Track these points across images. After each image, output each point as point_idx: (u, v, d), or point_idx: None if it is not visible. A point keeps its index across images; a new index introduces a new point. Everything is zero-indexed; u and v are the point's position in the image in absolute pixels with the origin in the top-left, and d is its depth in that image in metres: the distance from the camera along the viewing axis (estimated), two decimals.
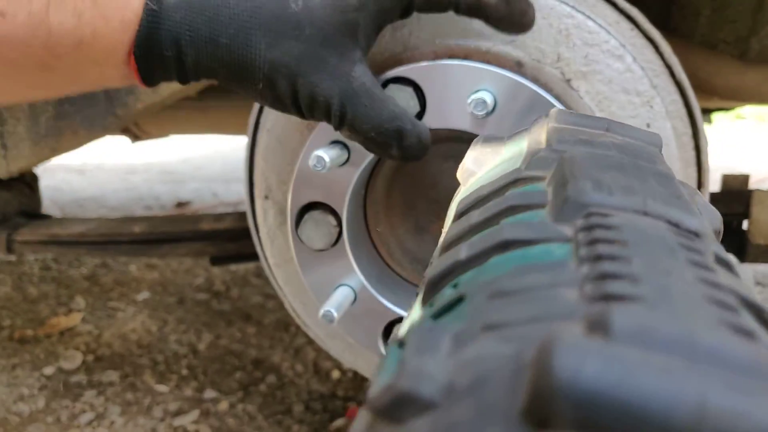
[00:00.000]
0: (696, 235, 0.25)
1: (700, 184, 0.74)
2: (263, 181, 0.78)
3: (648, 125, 0.67)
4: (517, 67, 0.68)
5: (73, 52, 0.53)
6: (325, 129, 0.65)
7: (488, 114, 0.56)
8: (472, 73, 0.59)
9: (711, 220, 0.34)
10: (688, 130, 0.73)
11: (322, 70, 0.55)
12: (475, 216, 0.29)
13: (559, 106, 0.60)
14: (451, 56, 0.69)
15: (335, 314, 0.62)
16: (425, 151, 0.58)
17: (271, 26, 0.54)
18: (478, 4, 0.59)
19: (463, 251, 0.25)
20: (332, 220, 0.66)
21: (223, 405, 1.57)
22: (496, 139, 0.43)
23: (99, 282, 2.23)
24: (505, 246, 0.24)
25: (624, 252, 0.22)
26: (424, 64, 0.61)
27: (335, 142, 0.62)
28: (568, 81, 0.67)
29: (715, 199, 1.05)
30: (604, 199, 0.25)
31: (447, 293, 0.24)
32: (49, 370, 1.69)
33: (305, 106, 0.57)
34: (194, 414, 1.52)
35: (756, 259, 0.97)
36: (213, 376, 1.70)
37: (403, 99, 0.61)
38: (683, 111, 0.72)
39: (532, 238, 0.24)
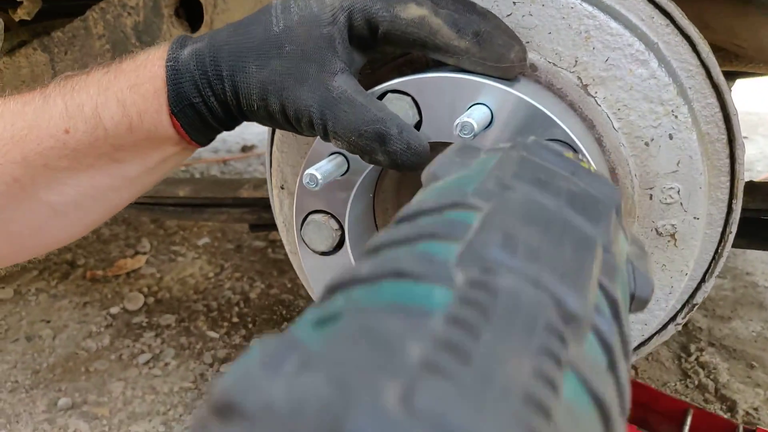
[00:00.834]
0: (573, 318, 0.25)
1: (733, 195, 0.69)
2: (279, 171, 0.79)
3: (671, 136, 0.63)
4: (531, 70, 0.64)
5: (128, 138, 0.62)
6: None
7: (475, 135, 0.53)
8: (468, 87, 0.57)
9: (640, 288, 0.34)
10: (723, 136, 0.67)
11: (303, 82, 0.58)
12: (404, 230, 0.30)
13: (556, 122, 0.56)
14: None
15: None
16: (417, 158, 0.57)
17: (259, 50, 0.59)
18: (446, 47, 0.57)
19: (365, 267, 0.27)
20: (334, 224, 0.66)
21: None
22: (472, 149, 0.41)
23: (164, 225, 2.35)
24: (398, 275, 0.25)
25: (481, 323, 0.22)
26: (420, 76, 0.58)
27: (335, 153, 0.62)
28: (586, 87, 0.63)
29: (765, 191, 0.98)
30: (503, 258, 0.26)
31: (337, 302, 0.26)
32: (114, 310, 1.83)
33: (293, 119, 0.59)
34: None
35: None
36: (261, 326, 1.78)
37: (402, 108, 0.59)
38: (719, 115, 0.66)
39: (423, 274, 0.25)
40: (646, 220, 0.66)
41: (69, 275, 2.00)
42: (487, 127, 0.58)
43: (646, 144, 0.63)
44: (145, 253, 2.15)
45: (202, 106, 0.61)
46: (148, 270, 2.06)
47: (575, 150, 0.55)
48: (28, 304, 1.80)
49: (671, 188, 0.64)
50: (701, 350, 1.77)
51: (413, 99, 0.59)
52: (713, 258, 0.71)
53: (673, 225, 0.65)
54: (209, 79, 0.60)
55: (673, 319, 0.75)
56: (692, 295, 0.73)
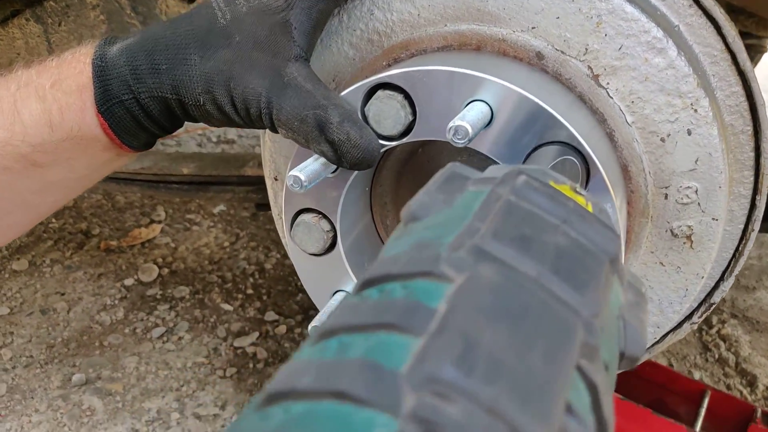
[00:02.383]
0: None
1: (757, 191, 0.63)
2: (272, 162, 0.75)
3: (689, 132, 0.57)
4: (538, 58, 0.59)
5: (49, 137, 0.57)
6: None
7: (470, 139, 0.49)
8: (465, 81, 0.52)
9: (630, 346, 0.32)
10: (749, 128, 0.62)
11: (253, 70, 0.55)
12: (364, 309, 0.28)
13: (561, 122, 0.51)
14: (463, 44, 0.61)
15: None
16: (360, 154, 0.54)
17: (204, 42, 0.56)
18: None
19: (308, 376, 0.25)
20: (325, 226, 0.62)
21: (282, 328, 1.65)
22: (458, 180, 0.38)
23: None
24: (339, 395, 0.24)
25: None
26: (412, 68, 0.54)
27: None
28: (596, 77, 0.58)
29: None
30: (457, 379, 0.23)
31: (273, 418, 0.24)
32: (129, 281, 1.83)
33: (242, 110, 0.56)
34: (254, 336, 1.61)
35: None
36: (276, 297, 1.78)
37: (392, 108, 0.54)
38: (744, 105, 0.61)
39: (366, 398, 0.23)
40: (661, 220, 0.61)
41: (84, 245, 2.01)
42: (487, 126, 0.53)
43: (662, 140, 0.58)
44: (160, 222, 2.14)
45: (133, 104, 0.57)
46: (163, 240, 2.06)
47: (581, 155, 0.51)
48: (43, 275, 1.81)
49: (688, 188, 0.59)
50: (723, 322, 1.72)
51: (407, 95, 0.55)
52: (733, 256, 0.67)
53: (689, 226, 0.60)
54: (141, 74, 0.56)
55: (689, 317, 0.71)
56: (710, 294, 0.68)
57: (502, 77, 0.53)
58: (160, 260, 1.94)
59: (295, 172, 0.55)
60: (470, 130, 0.48)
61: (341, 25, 0.64)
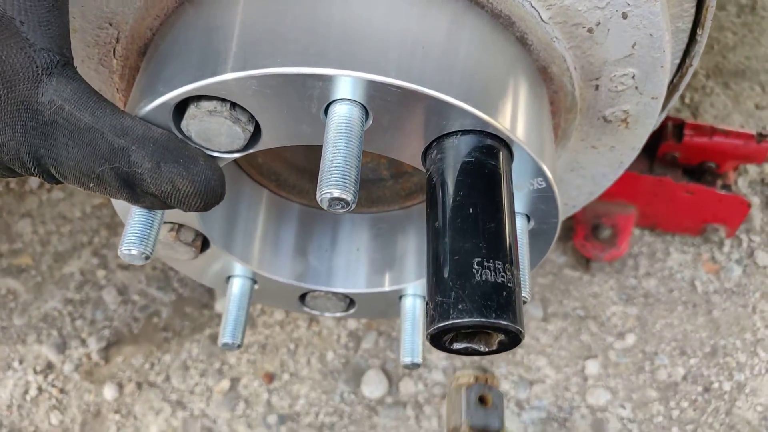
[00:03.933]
0: None
1: (698, 23, 0.50)
2: None
3: (624, 15, 0.41)
4: None
5: None
6: None
7: (354, 204, 0.33)
8: (316, 84, 0.33)
9: None
10: None
11: None
12: None
13: (453, 104, 0.36)
14: None
15: (232, 342, 0.52)
16: (202, 198, 0.38)
17: None
18: None
19: None
20: (187, 236, 0.48)
21: None
22: None
23: None
24: None
25: None
26: (240, 74, 0.34)
27: None
28: None
29: None
30: None
31: None
32: None
33: (1, 169, 0.39)
34: None
35: None
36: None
37: (221, 125, 0.36)
38: None
39: None
40: (591, 111, 0.49)
41: None
42: (366, 122, 0.37)
43: (590, 31, 0.43)
44: None
45: None
46: None
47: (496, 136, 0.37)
48: None
49: (624, 75, 0.46)
50: None
51: (234, 105, 0.36)
52: (667, 88, 0.57)
53: (624, 111, 0.49)
54: None
55: None
56: None
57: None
58: None
59: (125, 248, 0.39)
60: (351, 198, 0.33)
61: None
